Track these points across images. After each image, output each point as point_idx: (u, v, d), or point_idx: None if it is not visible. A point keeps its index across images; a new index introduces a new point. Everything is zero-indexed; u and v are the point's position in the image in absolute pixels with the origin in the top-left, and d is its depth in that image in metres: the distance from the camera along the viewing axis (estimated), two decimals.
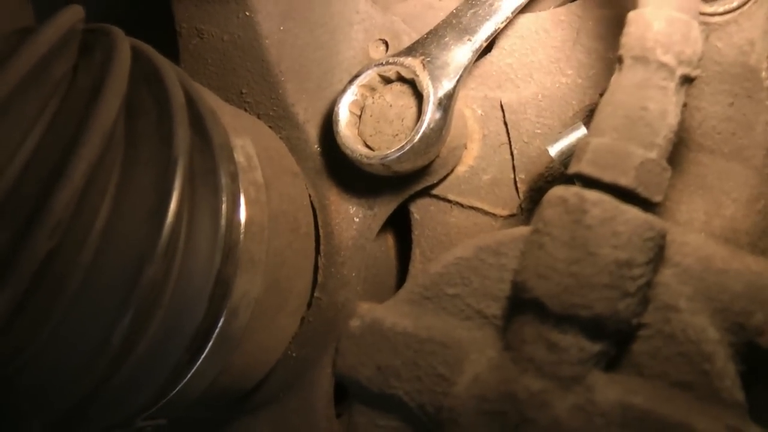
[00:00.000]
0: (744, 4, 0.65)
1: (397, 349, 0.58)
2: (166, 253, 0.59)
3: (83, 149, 0.57)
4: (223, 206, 0.64)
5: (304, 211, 0.76)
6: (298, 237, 0.74)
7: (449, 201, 0.78)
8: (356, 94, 0.74)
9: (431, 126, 0.70)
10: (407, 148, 0.70)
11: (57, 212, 0.55)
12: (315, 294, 0.77)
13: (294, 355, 0.77)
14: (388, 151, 0.71)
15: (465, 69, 0.72)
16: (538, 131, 0.75)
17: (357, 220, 0.77)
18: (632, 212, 0.52)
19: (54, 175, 0.56)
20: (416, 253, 0.79)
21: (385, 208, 0.77)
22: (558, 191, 0.53)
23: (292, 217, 0.74)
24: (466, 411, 0.54)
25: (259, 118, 0.80)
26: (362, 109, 0.74)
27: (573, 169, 0.54)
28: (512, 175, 0.76)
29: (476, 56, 0.73)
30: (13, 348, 0.58)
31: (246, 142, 0.71)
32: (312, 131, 0.78)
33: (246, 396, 0.78)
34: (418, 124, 0.70)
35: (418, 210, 0.79)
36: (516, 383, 0.52)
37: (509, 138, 0.76)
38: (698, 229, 0.65)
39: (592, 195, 0.52)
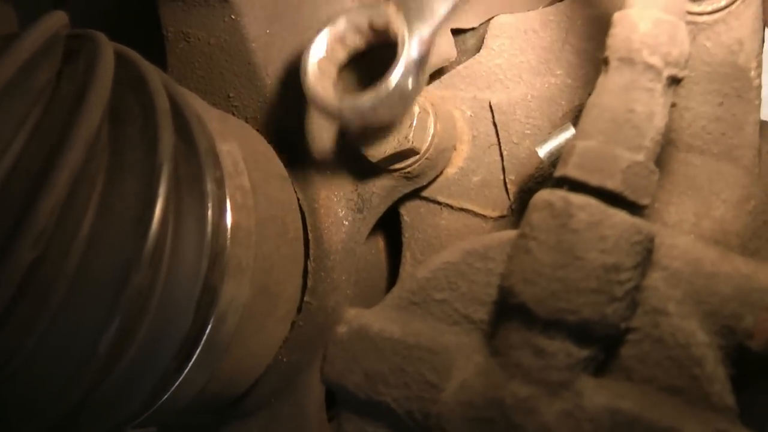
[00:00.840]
0: (732, 3, 0.64)
1: (385, 355, 0.57)
2: (152, 261, 0.59)
3: (66, 157, 0.56)
4: (209, 212, 0.64)
5: (292, 215, 0.75)
6: (287, 241, 0.74)
7: (439, 203, 0.77)
8: (326, 48, 0.68)
9: (408, 70, 0.64)
10: (383, 93, 0.64)
11: (41, 221, 0.54)
12: (305, 298, 0.77)
13: (285, 360, 0.76)
14: (362, 98, 0.64)
15: (444, 18, 0.66)
16: (528, 132, 0.75)
17: (346, 223, 0.77)
18: (619, 216, 0.51)
19: (37, 184, 0.55)
20: (407, 255, 0.78)
21: (374, 211, 0.77)
22: (544, 195, 0.53)
23: (281, 222, 0.73)
24: (454, 418, 0.53)
25: (246, 121, 0.79)
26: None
27: (559, 172, 0.54)
28: (502, 177, 0.75)
29: (455, 7, 0.67)
30: None
31: (232, 146, 0.70)
32: None
33: (237, 401, 0.78)
34: (392, 67, 0.64)
35: (408, 212, 0.79)
36: (503, 389, 0.52)
37: (499, 139, 0.76)
38: (688, 230, 0.65)
39: (579, 199, 0.52)
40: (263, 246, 0.70)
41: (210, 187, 0.64)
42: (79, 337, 0.59)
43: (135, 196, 0.60)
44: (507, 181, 0.75)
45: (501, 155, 0.75)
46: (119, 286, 0.58)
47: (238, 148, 0.71)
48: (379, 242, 0.85)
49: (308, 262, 0.77)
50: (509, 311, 0.53)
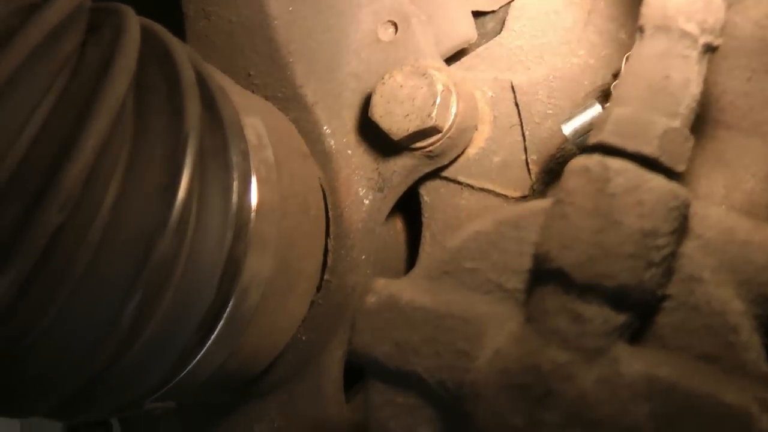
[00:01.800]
0: None
1: (416, 324, 0.56)
2: (177, 230, 0.58)
3: (93, 123, 0.55)
4: (235, 184, 0.63)
5: (314, 193, 0.75)
6: (308, 219, 0.73)
7: (460, 183, 0.77)
8: None
9: None
10: None
11: (67, 186, 0.53)
12: (325, 277, 0.76)
13: (303, 338, 0.76)
14: None
15: None
16: (550, 112, 0.75)
17: (366, 202, 0.76)
18: (657, 180, 0.51)
19: (64, 149, 0.54)
20: (426, 236, 0.78)
21: (394, 191, 0.76)
22: (581, 160, 0.53)
23: (303, 199, 0.73)
24: (489, 385, 0.53)
25: (267, 100, 0.79)
26: (372, 91, 0.73)
27: (595, 139, 0.53)
28: (524, 157, 0.75)
29: None
30: (20, 328, 0.56)
31: (256, 121, 0.70)
32: (321, 113, 0.77)
33: (255, 380, 0.77)
34: None
35: (428, 192, 0.78)
36: (540, 355, 0.51)
37: (520, 119, 0.75)
38: (718, 203, 0.65)
39: (616, 163, 0.51)
40: (285, 222, 0.69)
41: (235, 159, 0.64)
42: (101, 309, 0.58)
43: (161, 164, 0.59)
44: (529, 161, 0.75)
45: (523, 135, 0.75)
46: (143, 256, 0.57)
47: (261, 123, 0.70)
48: (398, 223, 0.84)
49: (328, 240, 0.76)
50: (545, 277, 0.53)
